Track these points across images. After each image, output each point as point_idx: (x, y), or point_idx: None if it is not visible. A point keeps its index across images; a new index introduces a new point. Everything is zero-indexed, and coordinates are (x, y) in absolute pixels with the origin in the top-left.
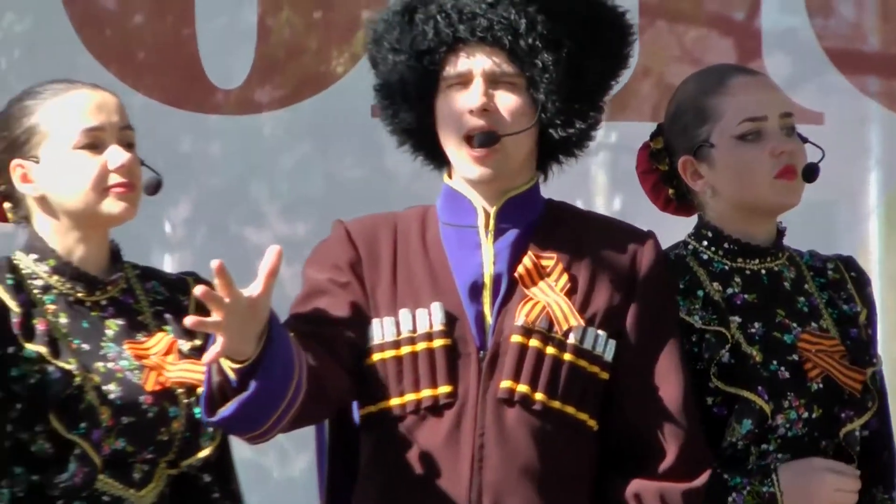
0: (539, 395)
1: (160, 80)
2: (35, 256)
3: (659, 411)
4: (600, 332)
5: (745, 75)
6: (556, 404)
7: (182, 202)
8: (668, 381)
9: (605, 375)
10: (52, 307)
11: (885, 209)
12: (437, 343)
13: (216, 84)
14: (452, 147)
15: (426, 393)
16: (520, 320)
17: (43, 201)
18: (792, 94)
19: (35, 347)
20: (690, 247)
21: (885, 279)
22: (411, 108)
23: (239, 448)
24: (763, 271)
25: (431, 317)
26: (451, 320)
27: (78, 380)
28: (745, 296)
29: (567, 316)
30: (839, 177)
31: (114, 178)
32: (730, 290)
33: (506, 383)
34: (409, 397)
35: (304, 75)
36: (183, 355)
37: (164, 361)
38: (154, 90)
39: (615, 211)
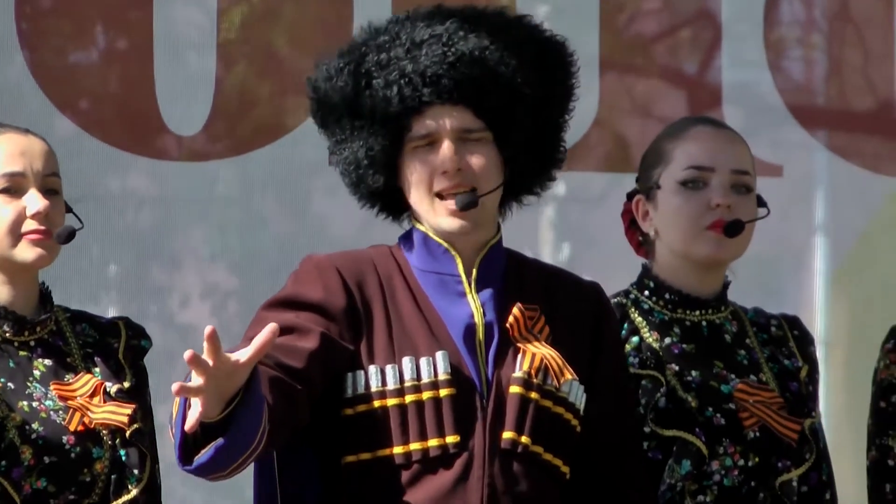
0: (538, 448)
1: (115, 124)
2: None
3: (634, 468)
4: (578, 384)
5: (708, 126)
6: (549, 456)
7: (124, 245)
8: (635, 436)
9: (577, 425)
10: None
11: (826, 266)
12: (444, 392)
13: (173, 130)
14: (425, 205)
15: (434, 442)
16: (518, 371)
17: None
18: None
19: None
20: (632, 296)
21: (830, 332)
22: (378, 172)
23: None
24: (704, 323)
25: (436, 365)
26: (454, 370)
27: None
28: (684, 346)
29: (563, 369)
30: (792, 230)
31: (29, 225)
32: (668, 340)
33: (509, 434)
34: (415, 446)
35: (256, 126)
36: (109, 397)
37: (89, 403)
38: (109, 134)
39: (562, 261)
